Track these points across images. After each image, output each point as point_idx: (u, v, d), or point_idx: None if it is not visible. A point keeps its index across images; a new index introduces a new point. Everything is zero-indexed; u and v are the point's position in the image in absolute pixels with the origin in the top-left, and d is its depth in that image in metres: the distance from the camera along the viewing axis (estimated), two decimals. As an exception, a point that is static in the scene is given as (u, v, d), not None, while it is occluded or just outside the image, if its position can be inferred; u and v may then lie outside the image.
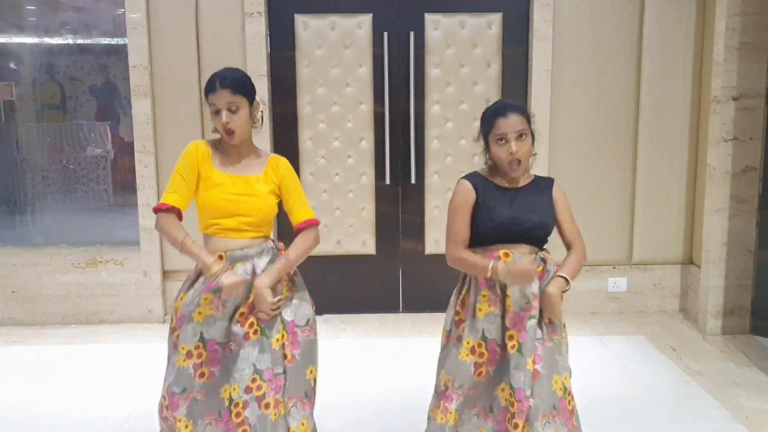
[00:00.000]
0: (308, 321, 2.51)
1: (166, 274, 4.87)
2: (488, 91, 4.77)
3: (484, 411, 2.45)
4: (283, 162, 2.55)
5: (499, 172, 2.48)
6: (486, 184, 2.47)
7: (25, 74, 5.21)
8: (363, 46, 4.72)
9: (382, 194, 4.88)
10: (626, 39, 4.71)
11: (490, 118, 2.41)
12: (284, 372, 2.43)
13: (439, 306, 4.91)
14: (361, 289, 4.97)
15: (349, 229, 4.89)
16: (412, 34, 4.69)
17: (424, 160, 4.83)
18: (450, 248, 2.49)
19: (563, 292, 2.41)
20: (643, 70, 4.73)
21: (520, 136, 2.36)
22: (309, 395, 2.52)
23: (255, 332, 2.40)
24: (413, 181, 4.83)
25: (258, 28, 4.61)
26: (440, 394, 2.52)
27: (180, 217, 2.45)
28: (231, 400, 2.38)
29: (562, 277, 2.42)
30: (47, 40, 5.05)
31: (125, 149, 6.45)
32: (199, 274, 2.44)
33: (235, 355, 2.39)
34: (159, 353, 4.24)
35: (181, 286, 2.52)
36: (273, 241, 2.55)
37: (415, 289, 5.00)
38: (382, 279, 4.98)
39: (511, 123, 2.35)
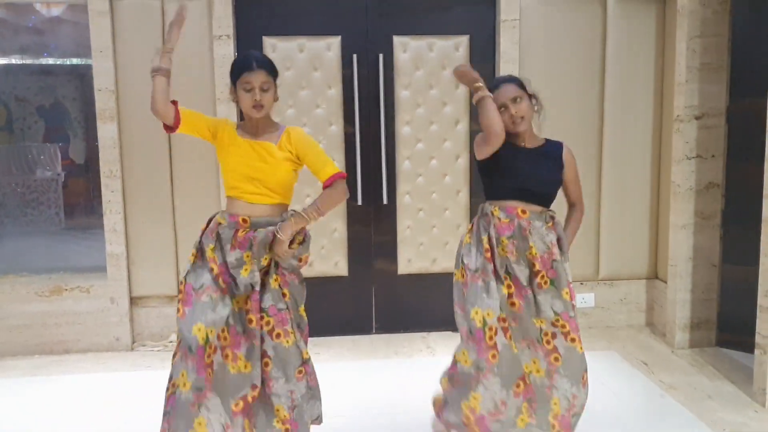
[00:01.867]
0: (293, 268, 2.83)
1: (133, 300, 4.77)
2: (457, 111, 4.83)
3: (533, 344, 2.88)
4: (296, 130, 2.81)
5: (512, 137, 2.91)
6: (506, 143, 2.86)
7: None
8: (332, 68, 4.73)
9: (353, 215, 4.88)
10: (590, 60, 4.84)
11: (495, 84, 2.94)
12: (287, 307, 2.76)
13: (413, 325, 4.99)
14: (334, 311, 4.94)
15: (321, 251, 4.87)
16: (381, 56, 4.72)
17: (396, 181, 4.86)
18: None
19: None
20: (607, 90, 4.86)
21: (515, 99, 2.86)
22: (302, 328, 2.89)
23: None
24: (385, 201, 4.84)
25: (226, 51, 4.59)
26: (478, 331, 2.80)
27: (175, 124, 2.78)
28: (207, 339, 2.67)
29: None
30: None
31: (76, 171, 6.34)
32: (222, 229, 2.75)
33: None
34: (128, 382, 4.21)
35: (202, 237, 2.80)
36: (294, 211, 2.79)
37: (388, 309, 5.00)
38: (355, 300, 4.97)
39: (504, 92, 2.88)
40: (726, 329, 4.58)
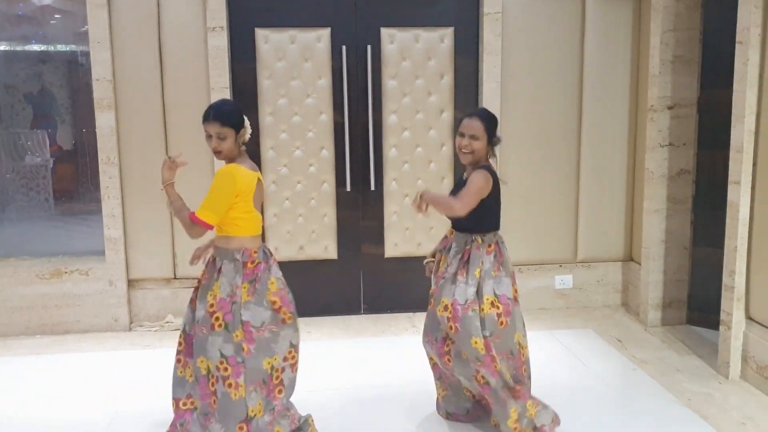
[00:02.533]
0: (263, 323, 2.91)
1: (131, 283, 4.94)
2: (442, 101, 5.01)
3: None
4: (222, 168, 2.94)
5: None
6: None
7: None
8: (322, 58, 4.89)
9: (343, 201, 5.05)
10: (569, 52, 5.04)
11: (460, 119, 3.17)
12: (243, 362, 2.86)
13: (399, 306, 5.18)
14: (324, 293, 5.13)
15: (312, 235, 5.05)
16: (369, 47, 4.87)
17: (383, 168, 5.03)
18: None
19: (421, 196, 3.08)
20: (585, 80, 5.06)
21: (473, 136, 3.05)
22: (266, 381, 2.95)
23: (219, 326, 2.87)
24: (372, 187, 5.02)
25: (220, 42, 4.74)
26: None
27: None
28: (209, 371, 2.92)
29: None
30: None
31: (64, 157, 6.41)
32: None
33: (203, 339, 2.90)
34: (127, 361, 4.40)
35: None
36: (242, 252, 2.93)
37: (376, 291, 5.20)
38: (345, 282, 5.16)
39: (468, 124, 3.08)
40: (695, 308, 4.84)
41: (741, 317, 3.86)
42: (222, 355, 2.86)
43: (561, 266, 5.25)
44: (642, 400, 3.67)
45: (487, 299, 3.05)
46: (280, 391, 3.00)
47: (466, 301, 3.03)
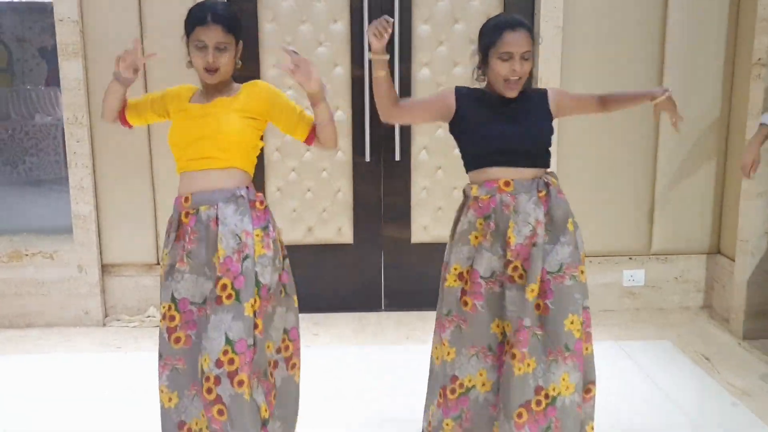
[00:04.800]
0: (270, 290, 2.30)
1: (105, 268, 4.16)
2: (487, 51, 4.08)
3: (483, 351, 2.37)
4: (262, 84, 2.38)
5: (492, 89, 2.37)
6: (474, 93, 2.41)
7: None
8: (338, -4, 4.02)
9: (360, 173, 4.24)
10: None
11: (495, 30, 2.29)
12: (254, 344, 2.21)
13: (427, 303, 4.27)
14: (336, 284, 4.35)
15: (323, 214, 4.22)
16: (396, -19, 3.99)
17: (411, 134, 4.19)
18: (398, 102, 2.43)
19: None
20: (669, 27, 4.06)
21: (525, 57, 2.27)
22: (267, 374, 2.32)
23: (228, 297, 2.17)
24: (397, 157, 4.18)
25: (212, -23, 3.87)
26: (439, 320, 2.46)
27: (125, 115, 2.45)
28: (203, 372, 2.17)
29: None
30: None
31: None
32: (171, 223, 2.33)
33: (206, 321, 2.20)
34: (97, 363, 3.60)
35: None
36: (247, 188, 2.29)
37: (399, 283, 4.38)
38: (361, 272, 4.36)
39: (518, 40, 2.25)
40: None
41: None
42: (228, 341, 2.14)
43: (631, 259, 4.30)
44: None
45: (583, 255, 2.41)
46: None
47: (561, 266, 2.32)
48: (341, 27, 4.06)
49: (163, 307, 2.28)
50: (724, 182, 4.24)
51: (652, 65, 4.12)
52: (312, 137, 2.36)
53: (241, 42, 2.32)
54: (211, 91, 2.34)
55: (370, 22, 3.97)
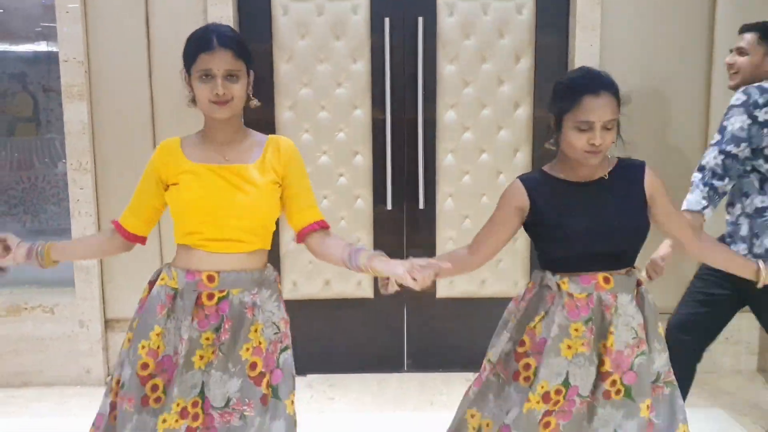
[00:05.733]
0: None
1: (108, 323, 3.95)
2: (517, 92, 3.90)
3: None
4: (288, 142, 2.07)
5: (568, 164, 2.03)
6: (548, 183, 2.04)
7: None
8: (359, 35, 3.86)
9: (382, 222, 4.03)
10: (695, 24, 3.83)
11: (573, 94, 1.93)
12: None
13: (453, 364, 4.06)
14: (355, 342, 4.10)
15: (341, 266, 3.94)
16: (420, 20, 3.84)
17: (436, 180, 3.98)
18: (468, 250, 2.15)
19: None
20: (715, 63, 3.81)
21: (608, 127, 1.92)
22: None
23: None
24: (421, 205, 3.97)
25: (224, 13, 3.75)
26: None
27: (133, 241, 2.09)
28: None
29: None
30: (20, 47, 4.50)
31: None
32: (173, 297, 1.96)
33: (246, 421, 1.94)
34: None
35: (141, 315, 2.01)
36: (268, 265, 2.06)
37: (423, 341, 4.12)
38: (383, 329, 4.12)
39: (601, 106, 1.90)
40: None
41: None
42: None
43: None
44: None
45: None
46: None
47: (659, 376, 2.06)
48: (361, 67, 3.87)
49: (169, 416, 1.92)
50: (778, 233, 3.93)
51: (696, 106, 3.88)
52: (304, 235, 2.04)
53: (252, 72, 2.01)
54: (219, 137, 2.01)
55: (392, 61, 3.81)
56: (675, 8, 3.81)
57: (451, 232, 3.98)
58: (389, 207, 3.95)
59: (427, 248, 3.99)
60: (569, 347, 1.96)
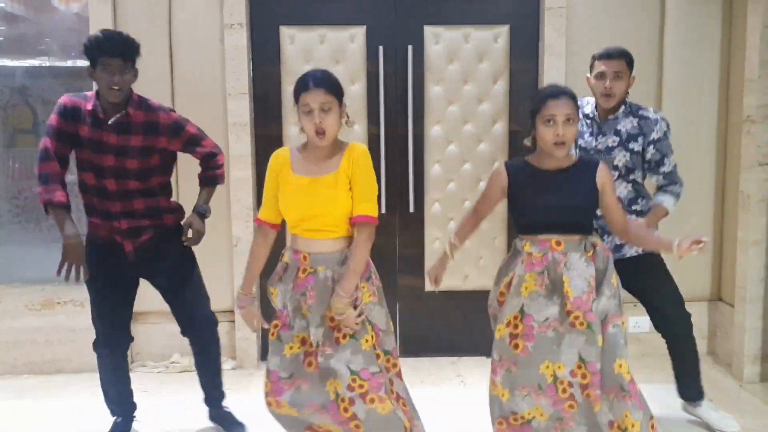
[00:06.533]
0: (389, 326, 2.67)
1: (134, 316, 4.30)
2: (495, 109, 4.34)
3: (534, 390, 2.57)
4: (359, 149, 2.57)
5: (543, 156, 2.60)
6: (524, 169, 2.63)
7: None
8: (356, 61, 4.28)
9: (378, 224, 4.37)
10: (646, 53, 4.29)
11: (541, 99, 2.54)
12: (380, 371, 2.50)
13: (441, 349, 4.47)
14: None
15: None
16: (410, 48, 4.26)
17: (424, 188, 4.38)
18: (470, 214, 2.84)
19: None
20: (665, 87, 4.31)
21: (568, 120, 2.49)
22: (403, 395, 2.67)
23: (344, 337, 2.50)
24: (411, 210, 4.37)
25: (239, 42, 4.16)
26: (492, 365, 2.67)
27: (277, 230, 2.71)
28: (338, 394, 2.48)
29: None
30: (20, 61, 4.64)
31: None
32: (285, 269, 2.62)
33: (329, 357, 2.49)
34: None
35: (269, 278, 2.69)
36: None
37: (414, 330, 4.50)
38: None
39: (561, 105, 2.49)
40: (805, 362, 3.99)
41: None
42: (352, 372, 2.48)
43: (636, 306, 4.41)
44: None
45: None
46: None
47: (606, 316, 2.60)
48: (359, 88, 4.30)
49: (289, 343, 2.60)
50: (723, 232, 4.43)
51: None
52: (354, 222, 2.55)
53: (345, 103, 2.56)
54: (316, 155, 2.56)
55: (385, 84, 4.25)
56: (628, 37, 4.26)
57: (438, 233, 4.41)
58: (383, 211, 4.31)
59: (417, 247, 4.42)
60: (526, 288, 2.56)
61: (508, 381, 2.60)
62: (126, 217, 3.04)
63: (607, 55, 3.17)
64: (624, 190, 3.26)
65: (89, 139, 2.96)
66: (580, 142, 3.23)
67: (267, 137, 4.29)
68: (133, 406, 3.40)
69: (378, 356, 2.54)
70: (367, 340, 2.49)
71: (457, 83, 4.32)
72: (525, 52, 4.32)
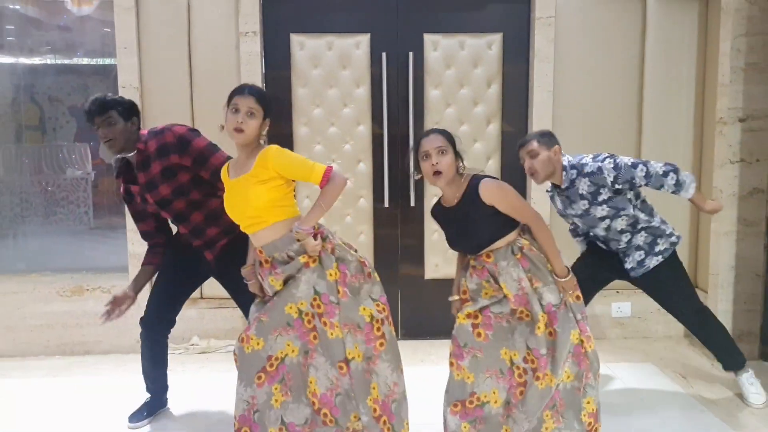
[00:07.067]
0: (357, 268, 2.85)
1: (155, 301, 4.67)
2: (489, 111, 4.67)
3: (496, 374, 2.85)
4: (271, 152, 2.73)
5: (444, 193, 2.91)
6: (438, 209, 2.98)
7: (3, 94, 5.01)
8: (361, 66, 4.60)
9: (380, 218, 4.74)
10: (628, 59, 4.65)
11: (417, 142, 2.84)
12: (338, 303, 2.75)
13: (440, 332, 4.80)
14: None
15: None
16: (411, 54, 4.58)
17: (424, 183, 4.69)
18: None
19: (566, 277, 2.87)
20: (646, 90, 4.66)
21: (440, 151, 2.75)
22: (362, 326, 2.81)
23: (314, 261, 2.76)
24: (412, 204, 4.70)
25: (253, 48, 4.49)
26: (457, 351, 2.92)
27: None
28: (300, 311, 2.77)
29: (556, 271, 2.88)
30: (27, 60, 4.87)
31: (106, 171, 6.26)
32: (253, 264, 2.94)
33: (298, 280, 2.75)
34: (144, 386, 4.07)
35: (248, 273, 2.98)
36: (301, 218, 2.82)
37: (415, 314, 4.85)
38: None
39: (431, 140, 2.77)
40: (770, 342, 4.36)
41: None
42: (315, 292, 2.77)
43: (618, 292, 4.82)
44: (714, 449, 3.23)
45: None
46: (381, 344, 2.90)
47: (561, 297, 2.89)
48: (363, 91, 4.62)
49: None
50: (698, 223, 4.79)
51: (630, 125, 4.71)
52: (323, 184, 2.77)
53: (269, 120, 2.80)
54: (242, 159, 2.80)
55: (388, 88, 4.58)
56: (612, 46, 4.62)
57: (436, 225, 4.71)
58: (386, 205, 4.65)
59: (417, 238, 4.76)
60: (486, 293, 2.88)
61: (474, 365, 2.85)
62: (195, 236, 3.28)
63: (520, 145, 3.34)
64: (623, 223, 3.53)
65: (132, 190, 3.34)
66: (562, 212, 3.57)
67: (278, 136, 4.61)
68: (165, 387, 3.68)
69: (338, 291, 2.74)
70: (331, 274, 2.74)
71: (453, 87, 4.64)
72: (517, 58, 4.64)
